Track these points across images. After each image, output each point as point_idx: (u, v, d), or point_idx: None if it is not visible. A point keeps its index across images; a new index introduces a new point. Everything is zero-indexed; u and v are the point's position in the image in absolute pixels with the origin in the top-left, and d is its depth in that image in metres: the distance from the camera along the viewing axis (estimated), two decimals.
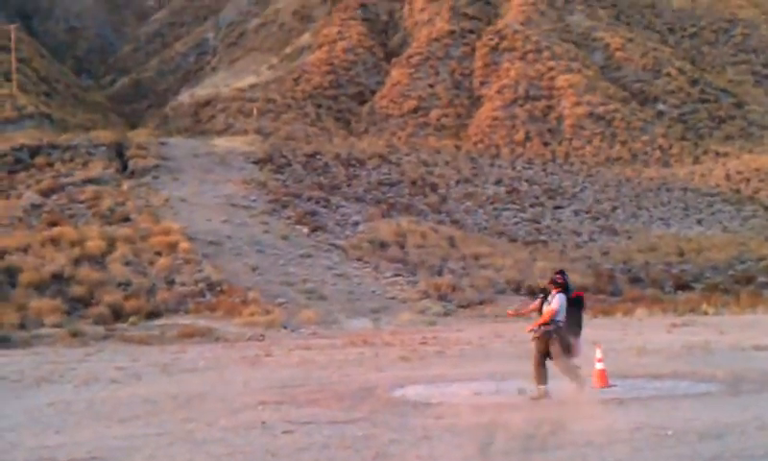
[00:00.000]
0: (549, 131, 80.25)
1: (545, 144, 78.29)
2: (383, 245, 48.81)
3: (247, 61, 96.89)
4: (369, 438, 11.24)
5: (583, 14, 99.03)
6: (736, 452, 9.55)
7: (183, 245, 41.08)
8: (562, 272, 14.31)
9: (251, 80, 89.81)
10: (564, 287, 13.91)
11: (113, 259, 38.79)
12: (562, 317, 13.74)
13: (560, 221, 62.56)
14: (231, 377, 19.00)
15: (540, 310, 14.18)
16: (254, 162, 61.21)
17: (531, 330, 14.30)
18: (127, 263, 38.85)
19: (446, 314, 38.67)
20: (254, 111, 78.32)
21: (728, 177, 71.38)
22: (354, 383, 17.12)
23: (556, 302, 13.76)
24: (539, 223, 61.74)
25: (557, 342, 13.73)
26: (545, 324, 13.86)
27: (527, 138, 78.64)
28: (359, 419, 12.75)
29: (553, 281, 14.02)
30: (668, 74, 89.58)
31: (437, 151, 73.80)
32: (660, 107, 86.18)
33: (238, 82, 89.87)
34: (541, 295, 14.42)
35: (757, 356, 19.72)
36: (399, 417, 12.86)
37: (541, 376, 14.00)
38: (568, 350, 13.83)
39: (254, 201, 52.72)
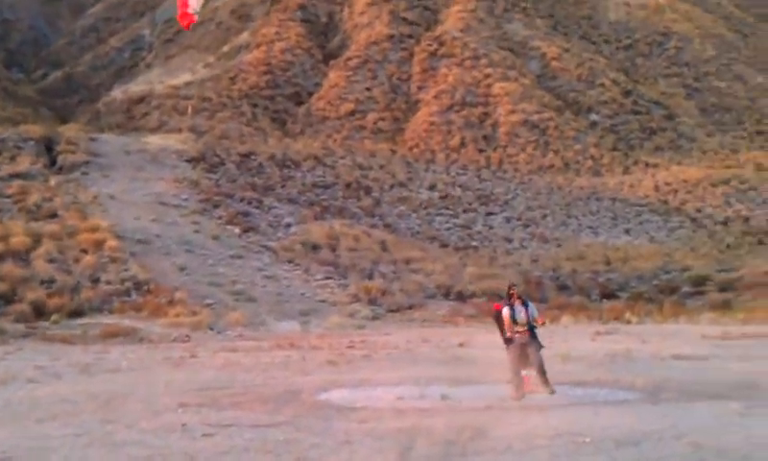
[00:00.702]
0: (484, 137, 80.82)
1: (480, 151, 78.83)
2: (315, 247, 48.65)
3: (183, 59, 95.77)
4: (290, 442, 11.15)
5: (521, 23, 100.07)
6: (652, 459, 9.68)
7: (111, 243, 40.40)
8: (513, 284, 15.50)
9: (186, 77, 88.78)
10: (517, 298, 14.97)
11: (38, 256, 38.01)
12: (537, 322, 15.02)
13: (491, 227, 63.06)
14: (154, 379, 18.73)
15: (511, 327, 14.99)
16: (187, 161, 60.50)
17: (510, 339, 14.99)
18: (51, 260, 38.08)
19: (376, 318, 38.66)
20: (189, 109, 77.42)
21: (656, 188, 72.71)
22: (279, 386, 17.00)
23: (533, 309, 14.98)
24: (470, 229, 62.14)
25: (534, 346, 14.81)
26: (520, 331, 14.85)
27: (462, 144, 79.07)
28: (282, 423, 12.65)
29: (511, 296, 14.96)
30: (602, 85, 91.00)
31: (372, 154, 73.83)
32: (593, 117, 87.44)
33: (173, 79, 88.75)
34: (509, 310, 15.02)
35: (677, 365, 20.09)
36: (323, 421, 12.79)
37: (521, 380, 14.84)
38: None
39: (186, 200, 52.08)
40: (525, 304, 14.99)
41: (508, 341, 14.99)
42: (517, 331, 14.88)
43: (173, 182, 54.48)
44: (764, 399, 14.29)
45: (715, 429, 11.51)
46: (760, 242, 62.25)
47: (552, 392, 14.65)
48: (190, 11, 9.97)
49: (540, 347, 14.88)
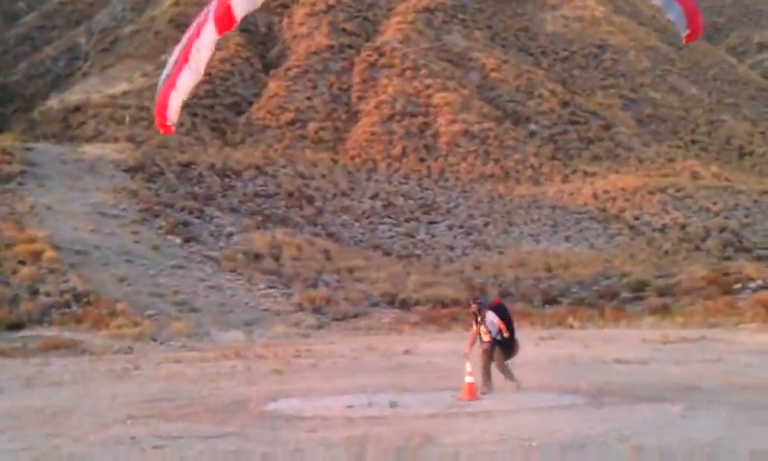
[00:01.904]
0: (425, 147, 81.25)
1: (421, 160, 79.22)
2: (258, 257, 48.46)
3: (120, 68, 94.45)
4: (240, 453, 11.15)
5: (460, 35, 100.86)
6: None
7: (48, 254, 39.72)
8: (476, 298, 17.20)
9: (123, 87, 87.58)
10: (484, 305, 16.49)
11: None
12: (495, 331, 16.26)
13: (434, 236, 63.44)
14: (98, 391, 18.51)
15: (479, 334, 16.58)
16: (125, 170, 59.73)
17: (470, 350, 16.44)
18: None
19: (321, 327, 38.63)
20: (126, 119, 76.44)
21: (595, 196, 73.83)
22: (226, 397, 16.94)
23: (494, 316, 16.22)
24: (413, 237, 62.45)
25: (498, 348, 16.24)
26: (487, 339, 16.38)
27: (404, 154, 79.39)
28: (231, 433, 12.63)
29: (476, 305, 16.53)
30: (540, 95, 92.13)
31: (314, 164, 73.77)
32: (532, 127, 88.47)
33: (110, 88, 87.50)
34: (474, 320, 16.69)
35: (619, 369, 20.48)
36: (272, 431, 12.80)
37: (490, 377, 16.34)
38: (509, 350, 16.45)
39: (124, 210, 51.43)
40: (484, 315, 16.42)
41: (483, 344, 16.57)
42: (484, 339, 16.50)
43: (111, 192, 53.77)
44: (704, 400, 14.67)
45: (657, 431, 11.80)
46: (697, 248, 63.64)
47: (519, 386, 16.15)
48: (168, 124, 10.05)
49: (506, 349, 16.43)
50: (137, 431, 12.92)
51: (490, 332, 16.36)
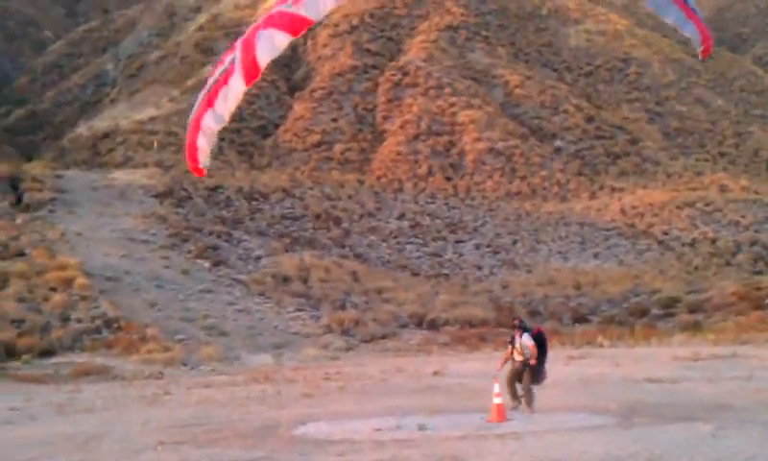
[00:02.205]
0: (451, 165, 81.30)
1: (447, 179, 79.25)
2: (286, 279, 48.62)
3: (147, 94, 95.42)
4: None
5: (483, 52, 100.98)
6: None
7: (80, 281, 40.11)
8: (518, 318, 18.08)
9: (151, 112, 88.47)
10: (525, 328, 17.07)
11: (6, 296, 37.67)
12: (528, 354, 16.75)
13: (461, 255, 63.35)
14: (129, 417, 18.65)
15: (512, 355, 17.11)
16: (154, 196, 60.26)
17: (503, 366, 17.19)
18: (20, 299, 37.76)
19: (349, 349, 38.66)
20: (155, 144, 77.18)
21: (623, 211, 73.44)
22: (256, 421, 17.02)
23: (529, 340, 16.80)
24: (441, 257, 62.40)
25: (528, 370, 16.71)
26: (519, 359, 16.87)
27: (430, 173, 79.46)
28: (261, 458, 12.71)
29: (517, 327, 17.18)
30: (565, 111, 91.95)
31: (340, 185, 74.01)
32: (558, 143, 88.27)
33: (138, 114, 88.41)
34: (509, 341, 17.46)
35: (649, 388, 20.34)
36: (301, 455, 12.86)
37: (516, 391, 16.89)
38: (537, 376, 16.90)
39: (154, 235, 51.85)
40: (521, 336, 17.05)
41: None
42: (516, 358, 16.94)
43: (141, 218, 54.26)
44: (735, 419, 14.55)
45: (688, 452, 11.72)
46: (727, 263, 63.07)
47: (532, 412, 16.39)
48: (201, 166, 10.33)
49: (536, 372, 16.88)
50: (168, 457, 13.03)
51: (523, 354, 16.84)
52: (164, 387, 25.35)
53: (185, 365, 32.81)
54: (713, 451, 11.66)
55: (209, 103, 9.59)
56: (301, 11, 8.75)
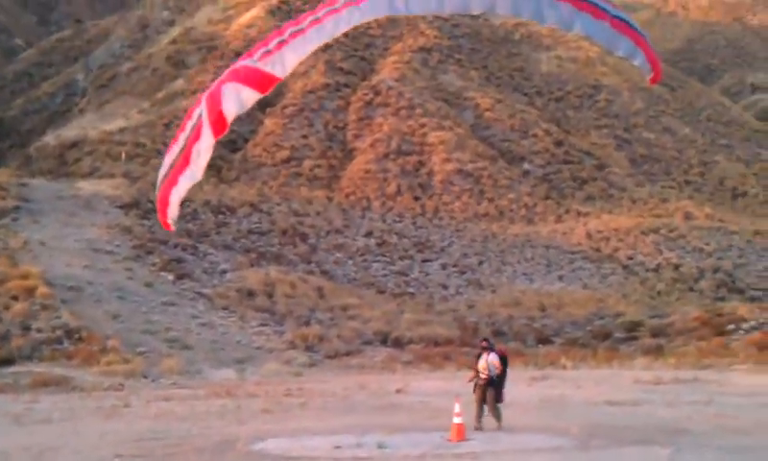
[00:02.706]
0: (420, 185, 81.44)
1: (416, 198, 79.37)
2: (251, 294, 48.38)
3: (117, 105, 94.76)
4: None
5: (455, 75, 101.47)
6: None
7: (41, 290, 39.63)
8: (486, 339, 18.54)
9: (120, 123, 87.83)
10: (491, 348, 17.66)
11: None
12: (494, 371, 17.31)
13: (428, 274, 63.43)
14: (87, 429, 18.44)
15: (477, 372, 17.63)
16: (120, 207, 59.77)
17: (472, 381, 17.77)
18: None
19: (313, 365, 38.51)
20: (123, 155, 76.61)
21: (588, 235, 73.93)
22: (215, 436, 16.89)
23: (495, 358, 17.44)
24: (407, 275, 62.43)
25: (492, 389, 17.23)
26: (484, 376, 17.41)
27: (398, 192, 79.55)
28: None
29: (485, 347, 17.71)
30: (535, 135, 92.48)
31: (308, 201, 73.88)
32: (526, 166, 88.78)
33: (107, 125, 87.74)
34: (476, 358, 18.01)
35: (609, 411, 20.45)
36: None
37: (482, 414, 17.33)
38: (499, 395, 17.46)
39: (118, 246, 51.40)
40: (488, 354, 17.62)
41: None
42: (481, 376, 17.41)
43: (105, 229, 53.77)
44: (692, 443, 14.65)
45: None
46: (690, 289, 63.72)
47: (499, 428, 16.96)
48: (169, 220, 10.40)
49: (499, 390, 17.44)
50: None
51: (489, 371, 17.36)
52: (124, 399, 25.08)
53: (146, 378, 32.50)
54: None
55: (186, 161, 9.65)
56: (267, 68, 8.79)
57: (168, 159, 9.93)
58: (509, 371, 18.15)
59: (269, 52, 8.98)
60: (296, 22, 9.25)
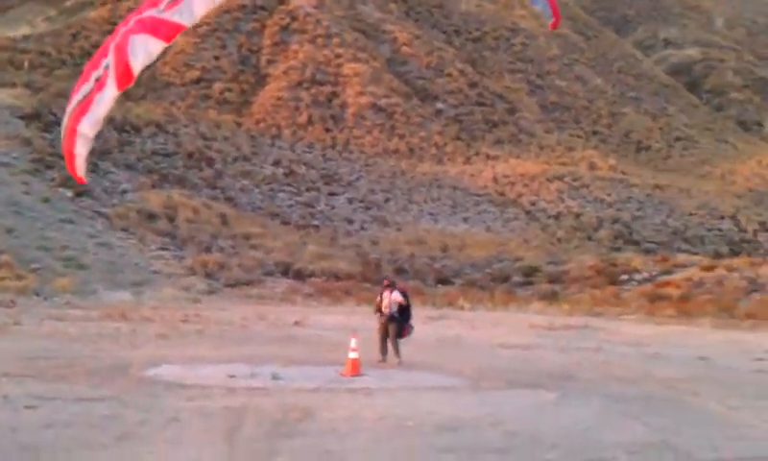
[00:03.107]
0: (332, 117, 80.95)
1: (327, 130, 78.91)
2: (152, 216, 47.49)
3: (22, 11, 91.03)
4: (116, 418, 10.99)
5: (374, 6, 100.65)
6: (468, 446, 10.09)
7: None
8: (388, 278, 19.44)
9: (24, 30, 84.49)
10: (393, 286, 18.20)
11: None
12: (395, 308, 17.82)
13: (333, 207, 63.39)
14: None
15: (380, 308, 18.12)
16: (20, 118, 57.65)
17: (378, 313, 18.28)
18: None
19: (212, 292, 38.19)
20: (26, 64, 73.79)
21: (495, 179, 74.92)
22: (107, 359, 16.64)
23: (398, 295, 17.91)
24: (313, 207, 62.26)
25: (394, 325, 17.80)
26: (386, 313, 17.89)
27: (310, 122, 78.92)
28: (108, 397, 12.43)
29: (387, 285, 18.25)
30: (450, 74, 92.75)
31: (217, 125, 72.65)
32: (439, 105, 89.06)
33: (10, 31, 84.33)
34: (379, 295, 18.47)
35: (502, 354, 20.91)
36: (150, 397, 12.64)
37: (386, 348, 17.92)
38: (400, 331, 18.00)
39: (16, 158, 49.63)
40: (391, 292, 18.06)
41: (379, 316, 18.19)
42: (384, 312, 17.86)
43: (3, 139, 51.85)
44: (579, 389, 15.10)
45: (530, 417, 12.10)
46: (589, 238, 65.35)
47: (399, 363, 17.47)
48: (80, 174, 10.06)
49: (401, 327, 17.99)
50: (10, 390, 12.59)
51: (390, 308, 17.81)
52: (14, 317, 24.46)
53: (38, 295, 31.74)
54: (554, 419, 12.08)
55: (83, 110, 9.35)
56: (175, 17, 8.53)
57: (68, 108, 9.65)
58: (413, 308, 18.58)
59: (174, 1, 8.68)
60: None
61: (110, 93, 9.12)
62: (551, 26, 10.21)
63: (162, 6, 8.78)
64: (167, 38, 8.75)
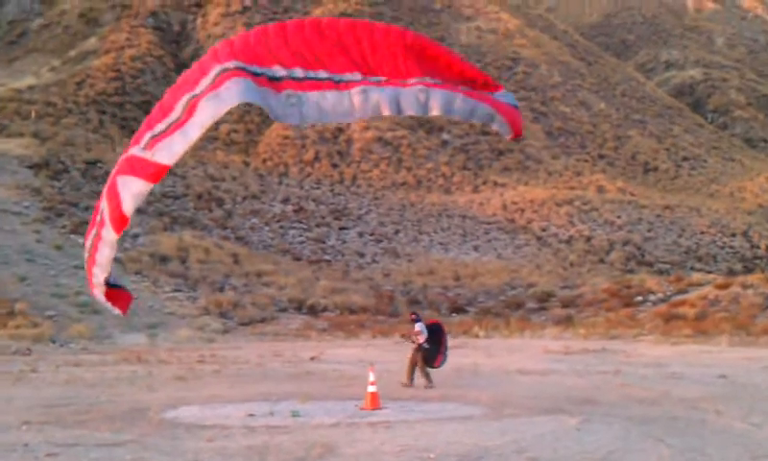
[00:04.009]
0: (338, 153, 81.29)
1: (334, 166, 79.22)
2: (164, 259, 47.67)
3: (27, 62, 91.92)
4: None
5: None
6: None
7: None
8: (415, 312, 21.09)
9: (30, 81, 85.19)
10: (418, 319, 19.80)
11: None
12: (423, 338, 19.28)
13: (344, 242, 63.47)
14: None
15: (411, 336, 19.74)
16: (29, 167, 58.08)
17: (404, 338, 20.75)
18: None
19: (226, 332, 38.22)
20: (32, 114, 74.38)
21: (504, 207, 74.95)
22: (125, 404, 16.60)
23: (420, 328, 19.39)
24: (324, 242, 62.36)
25: (420, 354, 19.33)
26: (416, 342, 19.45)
27: (316, 159, 79.27)
28: (128, 441, 12.38)
29: (413, 319, 19.89)
30: None
31: (225, 166, 73.03)
32: (445, 136, 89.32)
33: (16, 82, 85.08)
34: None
35: (520, 380, 20.80)
36: (171, 439, 12.60)
37: (413, 374, 19.43)
38: (431, 360, 19.48)
39: (27, 207, 49.99)
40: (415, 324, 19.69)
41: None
42: (412, 341, 19.53)
43: (14, 189, 52.23)
44: (600, 413, 14.99)
45: (553, 444, 12.01)
46: (601, 260, 65.18)
47: (429, 387, 18.93)
48: (117, 312, 10.48)
49: (426, 356, 19.39)
50: (31, 438, 12.56)
51: (415, 337, 19.43)
52: (31, 364, 24.47)
53: (54, 342, 31.78)
54: (577, 444, 11.98)
55: (92, 260, 9.67)
56: (156, 156, 8.40)
57: (85, 253, 10.00)
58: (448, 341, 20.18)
59: (156, 137, 8.51)
60: (190, 83, 8.58)
61: (110, 237, 9.20)
62: (511, 138, 10.08)
63: (144, 142, 8.59)
64: (152, 179, 8.58)
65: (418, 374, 19.39)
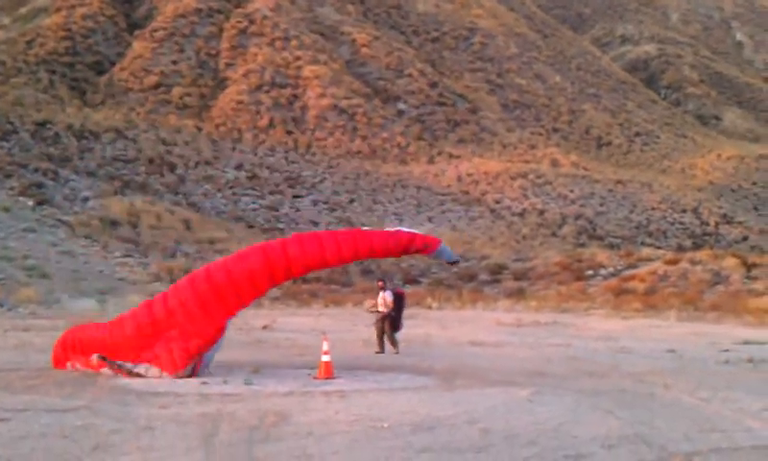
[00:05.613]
0: (293, 119, 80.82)
1: (288, 133, 78.76)
2: (114, 224, 47.11)
3: None
4: (89, 427, 10.84)
5: (332, 8, 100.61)
6: (445, 444, 10.10)
7: None
8: (382, 279, 21.71)
9: None
10: (386, 287, 20.56)
11: None
12: (390, 305, 20.12)
13: (298, 210, 63.27)
14: None
15: (377, 306, 20.45)
16: None
17: (372, 311, 20.85)
18: None
19: None
20: None
21: (459, 178, 75.24)
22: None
23: (389, 296, 20.18)
24: (277, 210, 62.09)
25: (389, 321, 20.12)
26: (381, 311, 20.25)
27: (271, 125, 78.73)
28: (79, 407, 12.26)
29: (381, 286, 20.63)
30: (410, 75, 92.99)
31: (177, 130, 72.21)
32: (401, 106, 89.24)
33: None
34: (376, 295, 20.97)
35: (472, 352, 20.97)
36: (122, 406, 12.49)
37: (383, 342, 20.27)
38: (396, 325, 20.32)
39: None
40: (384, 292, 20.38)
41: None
42: (378, 310, 20.21)
43: None
44: (551, 385, 15.17)
45: (505, 415, 12.13)
46: (553, 234, 65.80)
47: (397, 352, 19.88)
48: None
49: (392, 325, 20.25)
50: None
51: (385, 306, 20.06)
52: None
53: (2, 306, 31.28)
54: (528, 415, 12.11)
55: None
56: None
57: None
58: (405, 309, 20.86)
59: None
60: None
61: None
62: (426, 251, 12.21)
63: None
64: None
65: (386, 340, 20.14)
